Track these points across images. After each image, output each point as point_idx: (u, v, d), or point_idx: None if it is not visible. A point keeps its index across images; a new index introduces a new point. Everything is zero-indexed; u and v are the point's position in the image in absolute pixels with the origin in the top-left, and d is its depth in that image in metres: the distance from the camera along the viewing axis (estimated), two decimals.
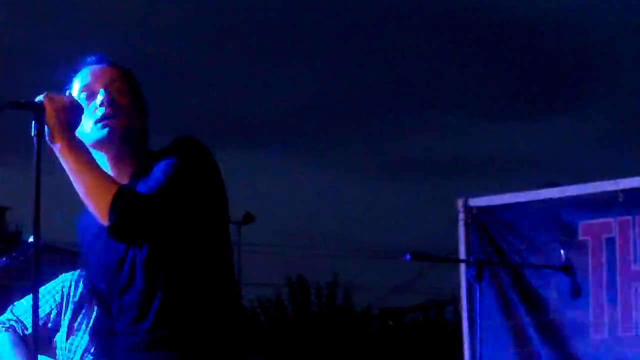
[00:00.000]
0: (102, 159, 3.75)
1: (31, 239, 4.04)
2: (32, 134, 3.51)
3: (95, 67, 3.89)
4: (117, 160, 3.81)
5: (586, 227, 7.63)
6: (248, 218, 31.51)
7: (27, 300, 5.10)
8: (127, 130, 3.82)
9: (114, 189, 3.46)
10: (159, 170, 3.66)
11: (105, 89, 3.81)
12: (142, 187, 3.66)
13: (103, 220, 3.46)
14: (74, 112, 3.69)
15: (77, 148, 3.59)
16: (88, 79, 3.83)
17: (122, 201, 3.49)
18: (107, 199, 3.45)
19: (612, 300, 7.48)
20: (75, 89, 3.82)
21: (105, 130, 3.74)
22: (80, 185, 3.55)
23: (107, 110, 3.73)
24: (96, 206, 3.52)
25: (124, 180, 3.75)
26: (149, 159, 3.80)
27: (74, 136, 3.61)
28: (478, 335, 7.09)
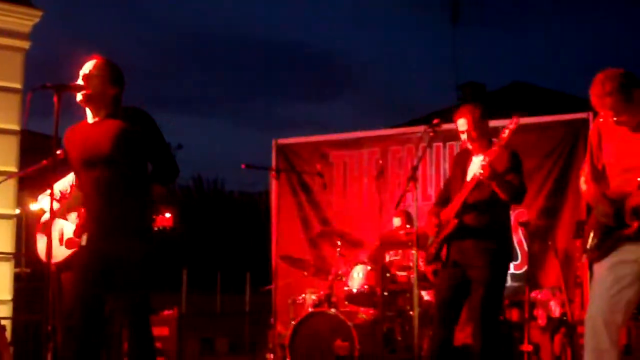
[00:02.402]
0: (88, 111, 4.54)
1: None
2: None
3: (90, 61, 4.55)
4: (92, 110, 4.54)
5: (333, 155, 9.48)
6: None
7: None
8: (91, 97, 4.48)
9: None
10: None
11: (86, 74, 4.50)
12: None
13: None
14: None
15: None
16: (84, 68, 4.54)
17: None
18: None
19: (344, 191, 9.40)
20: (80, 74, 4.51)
21: (80, 97, 4.48)
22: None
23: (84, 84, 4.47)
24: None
25: (99, 119, 4.49)
26: (121, 112, 4.51)
27: None
28: (274, 222, 9.15)
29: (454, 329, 5.73)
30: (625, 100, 4.28)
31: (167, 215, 5.44)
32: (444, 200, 6.01)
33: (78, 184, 4.67)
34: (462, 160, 5.95)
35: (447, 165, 8.56)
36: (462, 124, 5.78)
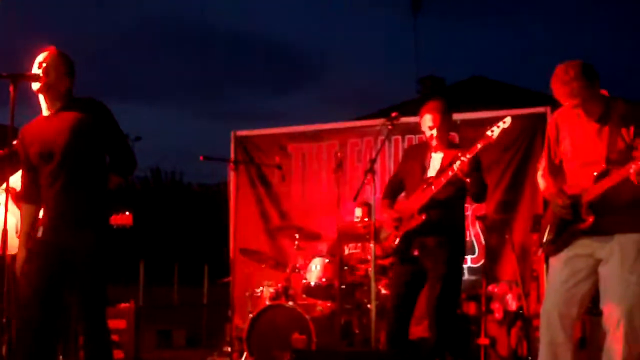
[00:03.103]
0: (42, 99, 4.53)
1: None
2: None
3: (45, 52, 4.57)
4: (48, 101, 4.54)
5: (292, 147, 9.47)
6: None
7: None
8: (49, 86, 4.50)
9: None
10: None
11: (42, 64, 4.50)
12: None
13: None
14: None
15: None
16: (40, 58, 4.54)
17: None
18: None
19: (303, 183, 9.33)
20: (34, 64, 4.50)
21: (37, 85, 4.48)
22: None
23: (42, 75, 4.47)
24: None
25: (54, 111, 4.49)
26: (74, 102, 4.52)
27: None
28: (232, 214, 9.05)
29: (408, 324, 5.71)
30: (589, 87, 4.23)
31: (127, 213, 5.67)
32: (393, 192, 5.98)
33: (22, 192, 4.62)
34: (418, 155, 5.86)
35: None
36: (429, 119, 5.73)
